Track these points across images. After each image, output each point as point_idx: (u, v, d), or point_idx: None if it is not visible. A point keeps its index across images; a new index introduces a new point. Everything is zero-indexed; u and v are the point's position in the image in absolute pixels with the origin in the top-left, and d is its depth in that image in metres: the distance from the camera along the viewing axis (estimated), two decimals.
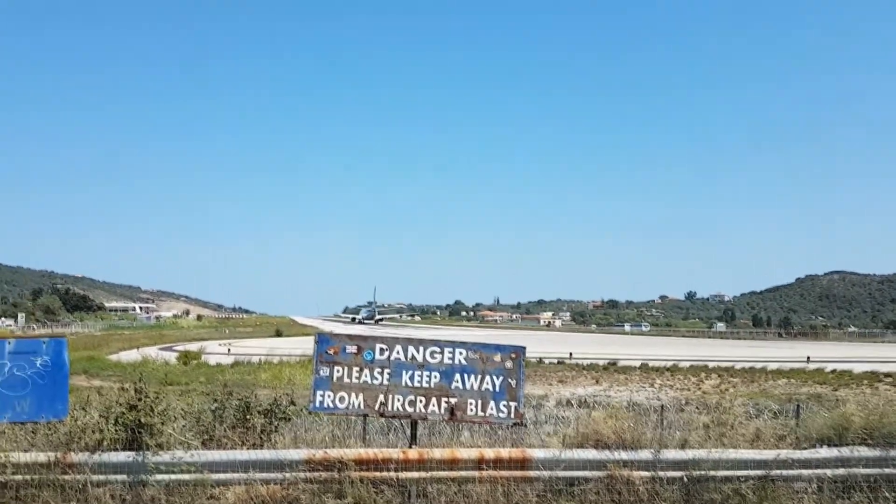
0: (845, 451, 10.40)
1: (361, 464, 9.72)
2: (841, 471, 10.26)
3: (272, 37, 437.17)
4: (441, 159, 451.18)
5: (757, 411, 12.89)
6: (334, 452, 9.74)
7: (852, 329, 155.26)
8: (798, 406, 13.57)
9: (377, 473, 9.74)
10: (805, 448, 10.64)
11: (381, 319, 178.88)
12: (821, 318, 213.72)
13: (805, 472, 10.20)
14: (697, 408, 15.97)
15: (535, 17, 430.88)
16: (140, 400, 9.57)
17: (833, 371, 41.30)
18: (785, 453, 10.35)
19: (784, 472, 10.14)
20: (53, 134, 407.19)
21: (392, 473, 9.78)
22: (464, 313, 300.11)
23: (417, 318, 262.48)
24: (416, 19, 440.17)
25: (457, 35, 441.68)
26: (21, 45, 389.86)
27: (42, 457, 9.30)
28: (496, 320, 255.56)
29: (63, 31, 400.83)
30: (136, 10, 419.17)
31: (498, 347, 10.85)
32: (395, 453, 9.90)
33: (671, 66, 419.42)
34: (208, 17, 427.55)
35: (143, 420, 9.39)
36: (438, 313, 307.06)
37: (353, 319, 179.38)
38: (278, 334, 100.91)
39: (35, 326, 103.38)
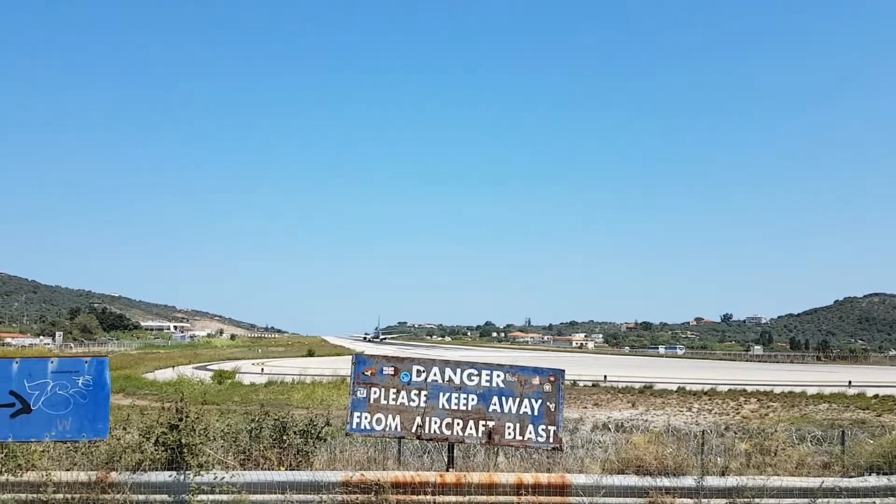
0: (895, 480, 10.10)
1: (398, 487, 9.65)
2: (891, 500, 9.97)
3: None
4: (474, 182, 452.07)
5: (799, 437, 12.56)
6: (371, 475, 9.70)
7: (893, 353, 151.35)
8: (843, 432, 13.20)
9: (414, 497, 9.66)
10: (853, 476, 10.35)
11: (385, 339, 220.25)
12: (860, 342, 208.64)
13: (853, 500, 9.93)
14: (738, 433, 15.65)
15: (574, 39, 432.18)
16: (181, 420, 9.61)
17: (875, 396, 40.22)
18: (832, 481, 10.09)
19: (831, 501, 9.87)
20: (91, 156, 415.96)
21: (429, 497, 9.69)
22: (494, 334, 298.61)
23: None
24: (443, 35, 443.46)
25: (492, 56, 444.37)
26: (66, 63, 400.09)
27: (83, 476, 9.38)
28: (527, 341, 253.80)
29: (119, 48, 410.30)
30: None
31: (536, 370, 10.73)
32: (432, 476, 9.82)
33: (711, 91, 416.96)
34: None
35: (184, 440, 9.42)
36: (469, 334, 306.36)
37: (365, 338, 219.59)
38: (310, 354, 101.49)
39: (72, 345, 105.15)
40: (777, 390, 43.52)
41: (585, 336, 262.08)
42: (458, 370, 10.58)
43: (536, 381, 10.55)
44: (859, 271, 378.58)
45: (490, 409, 10.41)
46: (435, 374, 10.54)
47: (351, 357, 11.09)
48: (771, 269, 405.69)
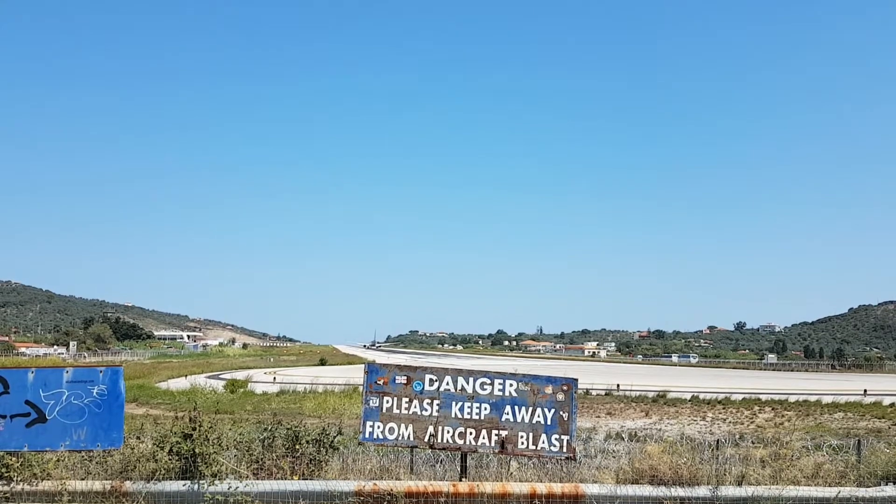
0: None
1: (411, 496, 9.62)
2: None
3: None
4: (486, 190, 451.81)
5: (815, 446, 12.46)
6: (384, 484, 9.67)
7: None
8: (859, 441, 13.07)
9: None
10: (869, 485, 10.24)
11: (379, 346, 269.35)
12: (875, 350, 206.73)
13: None
14: (753, 442, 15.53)
15: (592, 47, 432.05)
16: (195, 429, 9.64)
17: (892, 405, 39.86)
18: (848, 491, 9.97)
19: None
20: (104, 166, 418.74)
21: None
22: (506, 343, 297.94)
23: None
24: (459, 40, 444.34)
25: (504, 61, 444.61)
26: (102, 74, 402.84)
27: (97, 485, 9.42)
28: (539, 350, 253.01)
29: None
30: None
31: (549, 379, 10.68)
32: (445, 486, 9.78)
33: (723, 99, 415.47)
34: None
35: (197, 449, 9.44)
36: (480, 343, 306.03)
37: (365, 347, 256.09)
38: (322, 363, 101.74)
39: (86, 355, 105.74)
40: (792, 399, 43.22)
41: (598, 345, 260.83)
42: (471, 379, 10.55)
43: (549, 390, 10.50)
44: (874, 279, 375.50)
45: (503, 419, 10.37)
46: (447, 383, 10.50)
47: (363, 366, 11.09)
48: (785, 277, 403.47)
